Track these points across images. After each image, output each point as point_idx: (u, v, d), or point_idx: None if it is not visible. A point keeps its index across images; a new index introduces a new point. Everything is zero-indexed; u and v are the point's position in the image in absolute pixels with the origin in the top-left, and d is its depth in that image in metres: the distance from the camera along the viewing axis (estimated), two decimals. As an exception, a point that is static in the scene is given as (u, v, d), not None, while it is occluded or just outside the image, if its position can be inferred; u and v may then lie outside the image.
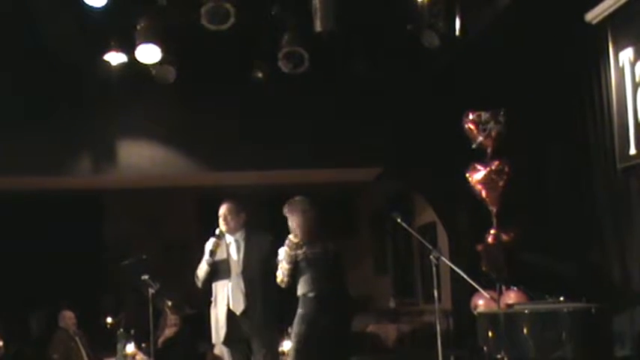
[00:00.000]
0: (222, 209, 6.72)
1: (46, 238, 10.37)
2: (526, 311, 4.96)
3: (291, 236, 6.36)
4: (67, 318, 9.41)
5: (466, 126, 6.89)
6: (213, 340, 6.88)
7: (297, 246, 6.31)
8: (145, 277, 6.72)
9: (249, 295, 6.52)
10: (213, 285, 6.70)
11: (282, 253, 6.38)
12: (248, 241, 6.69)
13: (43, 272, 10.46)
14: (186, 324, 9.26)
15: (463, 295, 8.06)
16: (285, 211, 6.47)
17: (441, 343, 6.78)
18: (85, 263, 10.64)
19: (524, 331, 4.87)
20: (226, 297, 6.59)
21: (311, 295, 6.29)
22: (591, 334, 4.71)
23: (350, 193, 11.55)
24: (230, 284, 6.59)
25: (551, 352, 4.81)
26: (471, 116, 6.88)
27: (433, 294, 9.85)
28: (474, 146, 6.85)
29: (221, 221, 6.69)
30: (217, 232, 6.66)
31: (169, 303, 8.33)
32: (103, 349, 9.27)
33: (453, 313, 9.03)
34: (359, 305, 10.02)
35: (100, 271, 10.68)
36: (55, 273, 10.43)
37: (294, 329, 6.31)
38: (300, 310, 6.32)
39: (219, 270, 6.64)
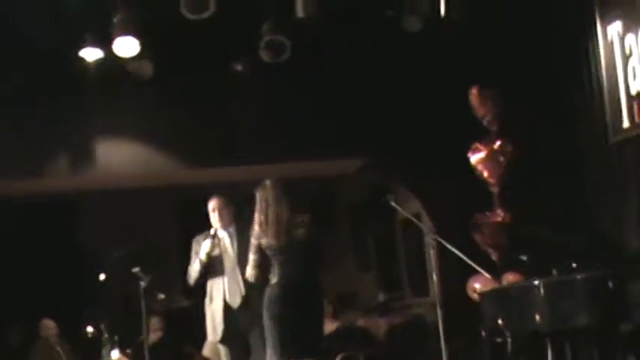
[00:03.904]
0: (214, 204, 6.63)
1: (22, 245, 10.04)
2: (536, 282, 4.84)
3: (255, 224, 6.13)
4: (48, 327, 9.14)
5: (474, 103, 6.77)
6: (209, 338, 6.71)
7: (260, 234, 6.05)
8: (136, 269, 6.49)
9: (247, 287, 6.38)
10: (209, 282, 6.58)
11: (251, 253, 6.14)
12: (240, 233, 6.53)
13: (19, 281, 10.11)
14: (170, 326, 9.05)
15: (454, 284, 7.93)
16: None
17: (435, 333, 6.69)
18: (63, 270, 10.33)
19: (538, 302, 4.76)
20: (222, 292, 6.49)
21: (273, 283, 6.03)
22: (606, 301, 4.62)
23: (329, 188, 11.38)
24: (226, 279, 6.49)
25: (566, 321, 4.72)
26: (478, 92, 6.78)
27: (421, 286, 9.82)
28: (484, 123, 6.75)
29: (215, 216, 6.59)
30: (212, 232, 6.54)
31: (162, 296, 8.09)
32: (86, 357, 9.02)
33: (444, 304, 8.89)
34: (340, 301, 9.89)
35: (80, 278, 10.37)
36: (32, 281, 10.10)
37: (267, 316, 6.02)
38: (270, 296, 6.03)
39: (213, 267, 6.53)
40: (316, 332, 6.16)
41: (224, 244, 6.61)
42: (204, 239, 6.59)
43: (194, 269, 6.57)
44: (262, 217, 6.08)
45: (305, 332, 6.01)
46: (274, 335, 5.97)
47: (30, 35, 7.32)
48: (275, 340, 5.97)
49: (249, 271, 6.11)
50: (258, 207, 6.14)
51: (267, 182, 6.20)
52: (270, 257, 6.05)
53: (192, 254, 6.68)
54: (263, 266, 6.08)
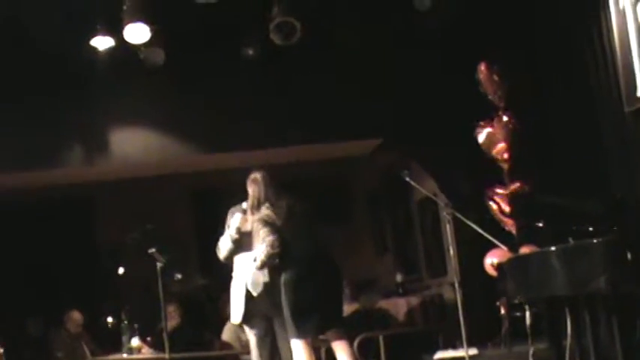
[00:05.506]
0: (255, 177, 6.40)
1: (38, 239, 10.07)
2: (553, 248, 4.82)
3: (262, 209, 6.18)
4: (75, 319, 9.16)
5: (483, 79, 6.70)
6: (232, 320, 6.62)
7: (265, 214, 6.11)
8: (152, 250, 6.42)
9: (269, 271, 6.23)
10: (235, 258, 6.41)
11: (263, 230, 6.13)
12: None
13: (36, 276, 10.16)
14: (188, 313, 9.04)
15: (471, 262, 7.89)
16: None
17: (454, 311, 6.67)
18: (82, 261, 10.36)
19: (555, 268, 4.72)
20: (245, 275, 6.33)
21: (289, 264, 6.06)
22: (623, 265, 4.57)
23: (344, 173, 11.34)
24: (251, 260, 6.28)
25: (583, 286, 4.68)
26: (486, 68, 6.72)
27: (439, 267, 9.76)
28: (492, 99, 6.69)
29: (254, 189, 6.40)
30: (244, 206, 6.37)
31: (179, 276, 8.04)
32: (107, 346, 9.04)
33: (461, 281, 8.86)
34: (358, 286, 9.86)
35: (97, 270, 10.40)
36: (51, 273, 10.15)
37: (284, 297, 6.06)
38: (284, 277, 6.07)
39: (241, 243, 6.36)
40: (336, 306, 6.17)
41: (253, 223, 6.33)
42: (238, 212, 6.43)
43: (224, 243, 6.41)
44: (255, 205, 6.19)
45: (325, 308, 6.03)
46: (295, 315, 5.98)
47: (40, 26, 7.34)
48: (295, 319, 5.97)
49: (271, 238, 6.03)
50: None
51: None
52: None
53: (226, 226, 6.50)
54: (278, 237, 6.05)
